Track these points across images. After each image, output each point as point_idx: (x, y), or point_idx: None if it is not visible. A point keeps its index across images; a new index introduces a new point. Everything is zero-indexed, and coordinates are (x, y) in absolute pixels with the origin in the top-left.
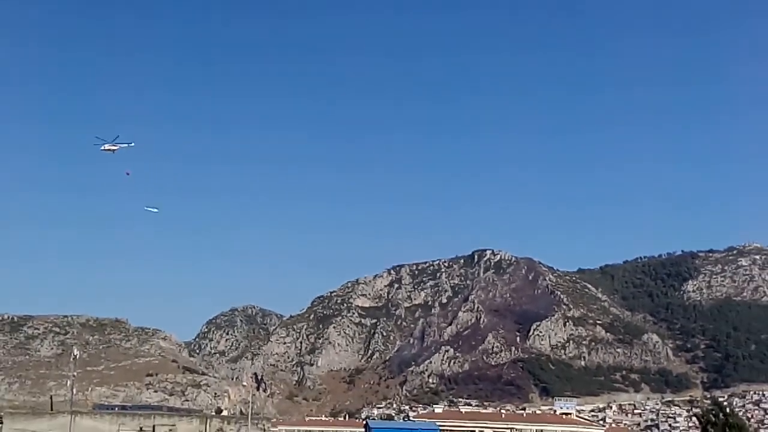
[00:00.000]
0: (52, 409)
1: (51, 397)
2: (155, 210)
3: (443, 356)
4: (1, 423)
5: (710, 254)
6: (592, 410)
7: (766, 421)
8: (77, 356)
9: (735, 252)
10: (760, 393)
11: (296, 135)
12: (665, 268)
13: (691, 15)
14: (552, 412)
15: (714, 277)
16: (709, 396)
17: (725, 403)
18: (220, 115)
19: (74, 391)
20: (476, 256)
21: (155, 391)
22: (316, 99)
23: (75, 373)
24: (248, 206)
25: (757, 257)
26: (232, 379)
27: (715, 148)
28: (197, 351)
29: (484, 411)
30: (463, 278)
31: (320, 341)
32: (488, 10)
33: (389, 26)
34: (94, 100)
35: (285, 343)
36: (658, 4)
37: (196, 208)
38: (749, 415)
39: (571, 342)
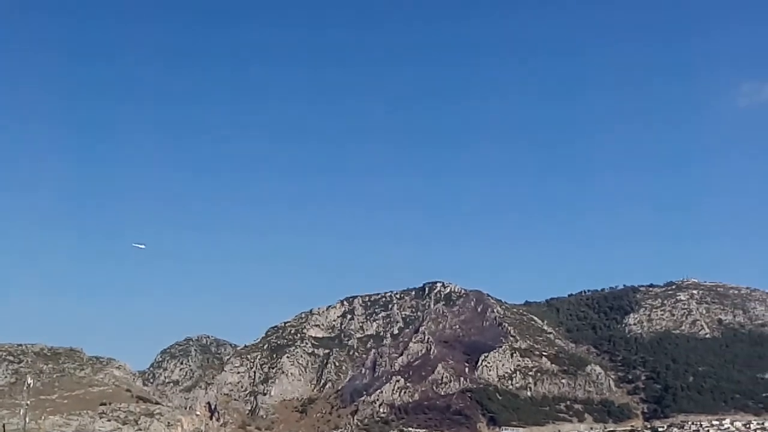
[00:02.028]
0: None
1: (3, 426)
2: (142, 246)
3: (394, 386)
4: None
5: (650, 289)
6: None
7: None
8: (31, 385)
9: (674, 287)
10: (698, 423)
11: (253, 170)
12: (608, 301)
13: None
14: None
15: (654, 310)
16: (649, 426)
17: None
18: (184, 152)
19: (27, 419)
20: (427, 288)
21: (108, 420)
22: (273, 138)
23: (28, 402)
24: (204, 238)
25: (695, 292)
26: (186, 408)
27: (657, 190)
28: (151, 380)
29: None
30: (414, 310)
31: (274, 371)
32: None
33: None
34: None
35: (239, 372)
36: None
37: (153, 239)
38: None
39: (518, 373)
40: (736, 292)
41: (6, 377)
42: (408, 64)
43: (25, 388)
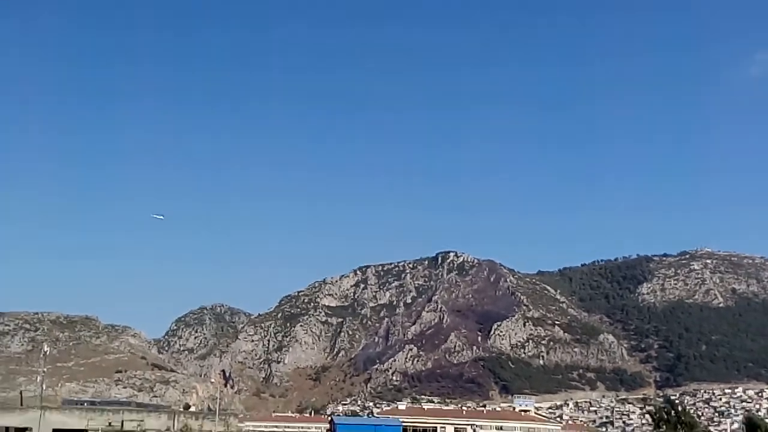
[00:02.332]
0: (21, 405)
1: (21, 393)
2: (161, 217)
3: (407, 355)
4: None
5: (664, 258)
6: (550, 407)
7: (715, 419)
8: (47, 352)
9: (687, 256)
10: (710, 392)
11: (266, 138)
12: (621, 271)
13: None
14: (511, 409)
15: (667, 280)
16: (661, 394)
17: (677, 402)
18: (199, 118)
19: (44, 386)
20: (440, 258)
21: (124, 387)
22: (291, 102)
23: (45, 369)
24: (219, 207)
25: (709, 261)
26: (200, 375)
27: (671, 159)
28: (166, 348)
29: (445, 408)
30: (427, 279)
31: (287, 339)
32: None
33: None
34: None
35: (253, 340)
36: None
37: (169, 207)
38: (700, 413)
39: (530, 342)
40: (750, 261)
41: (23, 345)
42: (417, 26)
43: (41, 355)
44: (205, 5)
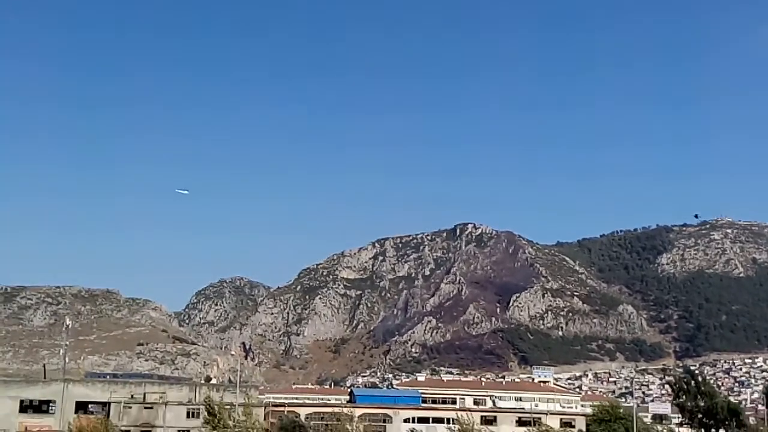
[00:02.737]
0: (45, 378)
1: (44, 366)
2: (185, 192)
3: (426, 327)
4: None
5: (684, 228)
6: (569, 378)
7: (735, 389)
8: (69, 326)
9: (708, 226)
10: (730, 362)
11: (285, 110)
12: (640, 241)
13: None
14: (530, 381)
15: (687, 250)
16: (681, 365)
17: (697, 372)
18: (209, 89)
19: (66, 359)
20: (458, 230)
21: (146, 360)
22: (308, 77)
23: (67, 343)
24: (236, 180)
25: (729, 231)
26: (221, 348)
27: (690, 126)
28: (187, 321)
29: (464, 379)
30: (445, 251)
31: (306, 312)
32: None
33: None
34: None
35: (272, 313)
36: None
37: (186, 181)
38: (720, 383)
39: (549, 313)
40: None
41: (45, 319)
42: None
43: (64, 329)
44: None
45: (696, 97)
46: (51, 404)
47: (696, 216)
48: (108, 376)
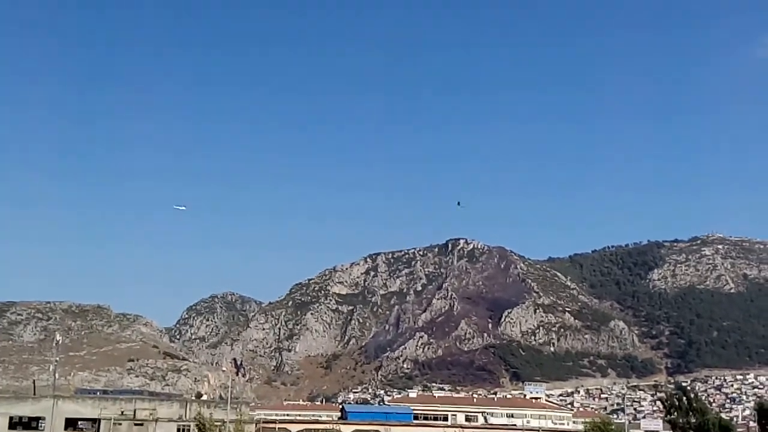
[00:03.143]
0: (35, 394)
1: (34, 382)
2: (183, 208)
3: (417, 342)
4: None
5: (675, 244)
6: (561, 394)
7: (727, 405)
8: (60, 341)
9: (699, 242)
10: (722, 378)
11: (276, 126)
12: (632, 257)
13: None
14: (522, 397)
15: (678, 266)
16: (672, 381)
17: (688, 388)
18: (203, 105)
19: (57, 375)
20: (450, 245)
21: (136, 376)
22: (301, 91)
23: (57, 358)
24: (229, 195)
25: (720, 247)
26: (212, 364)
27: (681, 142)
28: (178, 337)
29: (456, 395)
30: (437, 266)
31: (298, 327)
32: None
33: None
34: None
35: (264, 329)
36: None
37: (179, 196)
38: (711, 399)
39: (541, 328)
40: (761, 246)
41: (35, 334)
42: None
43: (54, 345)
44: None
45: (687, 113)
46: (41, 421)
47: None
48: (98, 393)
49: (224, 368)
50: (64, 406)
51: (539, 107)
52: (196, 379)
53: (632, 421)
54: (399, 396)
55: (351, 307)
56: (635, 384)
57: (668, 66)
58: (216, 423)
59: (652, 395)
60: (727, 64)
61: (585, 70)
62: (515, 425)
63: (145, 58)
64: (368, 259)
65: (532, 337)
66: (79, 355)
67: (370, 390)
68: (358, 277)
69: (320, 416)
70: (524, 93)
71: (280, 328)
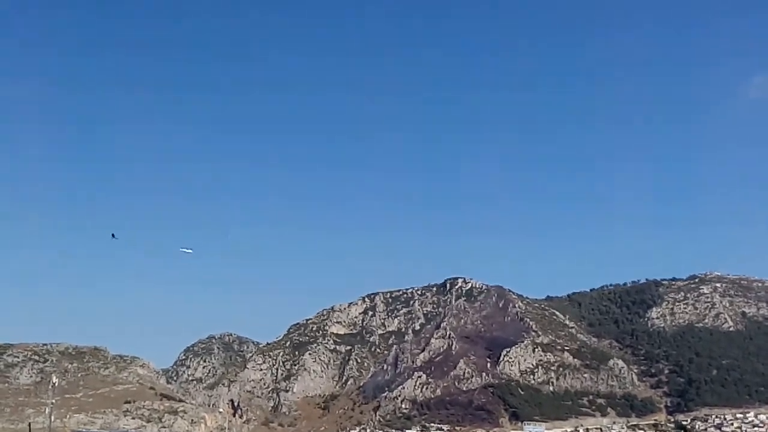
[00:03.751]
0: None
1: (29, 425)
2: (189, 251)
3: (416, 382)
4: None
5: (673, 282)
6: None
7: None
8: (56, 384)
9: (697, 280)
10: (722, 417)
11: (274, 166)
12: (630, 295)
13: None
14: None
15: (677, 304)
16: (672, 420)
17: (688, 427)
18: (204, 145)
19: (53, 418)
20: (448, 285)
21: (133, 418)
22: (285, 131)
23: (54, 401)
24: (226, 235)
25: (718, 285)
26: (209, 405)
27: (679, 181)
28: (175, 378)
29: None
30: (435, 306)
31: (296, 368)
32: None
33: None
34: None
35: (261, 369)
36: None
37: (175, 237)
38: None
39: (539, 368)
40: (760, 284)
41: (31, 377)
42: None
43: (50, 387)
44: None
45: (685, 152)
46: None
47: None
48: None
49: (221, 409)
50: None
51: (538, 148)
52: (192, 420)
53: None
54: None
55: (349, 347)
56: (635, 423)
57: (664, 107)
58: None
59: None
60: (723, 105)
61: (584, 114)
62: None
63: (136, 98)
64: (366, 299)
65: (531, 377)
66: (75, 397)
67: (368, 430)
68: (356, 317)
69: None
70: (523, 135)
71: (277, 369)
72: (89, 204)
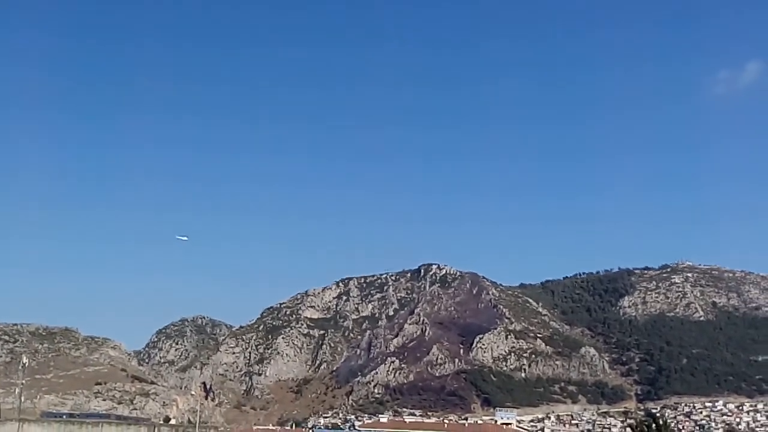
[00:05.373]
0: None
1: None
2: (185, 238)
3: (389, 367)
4: None
5: (645, 272)
6: (532, 420)
7: None
8: (26, 364)
9: (669, 270)
10: (691, 405)
11: (248, 151)
12: (603, 284)
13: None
14: (493, 422)
15: (649, 293)
16: (642, 408)
17: (658, 415)
18: (184, 130)
19: (22, 398)
20: (422, 270)
21: (104, 400)
22: (277, 118)
23: (23, 381)
24: (199, 218)
25: (690, 275)
26: (181, 388)
27: (652, 174)
28: (146, 360)
29: (427, 421)
30: (409, 291)
31: (269, 351)
32: None
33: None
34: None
35: (234, 353)
36: None
37: (151, 219)
38: (680, 426)
39: (512, 354)
40: (730, 275)
41: (1, 357)
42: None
43: (20, 367)
44: None
45: (660, 143)
46: None
47: None
48: (64, 416)
49: (193, 392)
50: (29, 429)
51: (514, 138)
52: (164, 402)
53: None
54: (370, 421)
55: (322, 332)
56: (606, 410)
57: (638, 96)
58: None
59: (622, 422)
60: (700, 96)
61: (558, 105)
62: None
63: (134, 86)
64: (340, 284)
65: (504, 363)
66: (46, 378)
67: (341, 415)
68: (330, 302)
69: None
70: (500, 125)
71: (250, 352)
72: (64, 185)
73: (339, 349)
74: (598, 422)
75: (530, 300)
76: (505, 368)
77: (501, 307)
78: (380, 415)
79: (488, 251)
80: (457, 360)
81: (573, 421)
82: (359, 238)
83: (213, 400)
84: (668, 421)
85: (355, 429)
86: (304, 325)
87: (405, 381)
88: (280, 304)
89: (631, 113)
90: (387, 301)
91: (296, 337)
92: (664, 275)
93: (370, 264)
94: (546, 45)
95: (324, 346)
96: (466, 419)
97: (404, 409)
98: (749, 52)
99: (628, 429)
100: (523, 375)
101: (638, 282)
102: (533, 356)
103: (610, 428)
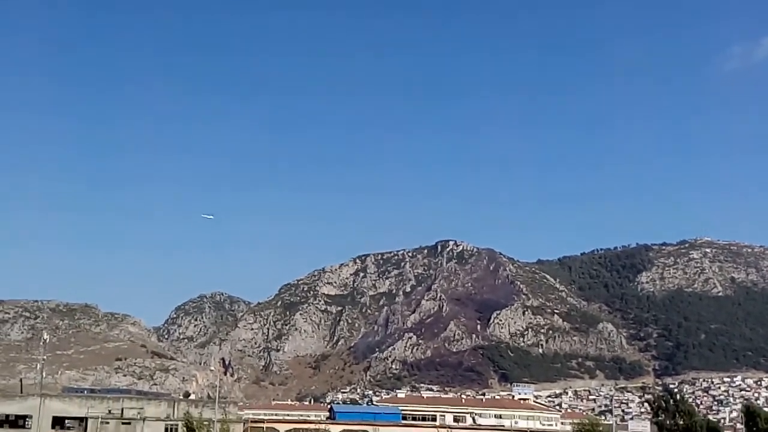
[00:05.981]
0: (21, 392)
1: (21, 380)
2: (210, 217)
3: (406, 343)
4: None
5: (663, 247)
6: (549, 396)
7: (714, 408)
8: (47, 340)
9: (687, 245)
10: (709, 380)
11: (267, 128)
12: (620, 260)
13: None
14: (510, 398)
15: (666, 269)
16: (660, 383)
17: (675, 390)
18: (193, 108)
19: (44, 374)
20: (439, 247)
21: (124, 375)
22: (290, 92)
23: (45, 357)
24: (219, 196)
25: (708, 250)
26: (200, 363)
27: (670, 146)
28: (166, 336)
29: (445, 396)
30: (426, 268)
31: (287, 328)
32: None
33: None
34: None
35: (252, 329)
36: None
37: (169, 196)
38: (698, 402)
39: (529, 330)
40: (749, 250)
41: (23, 333)
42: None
43: (41, 343)
44: None
45: (678, 116)
46: (27, 419)
47: None
48: (85, 391)
49: (212, 368)
50: (51, 404)
51: (531, 114)
52: (184, 378)
53: (620, 423)
54: (387, 396)
55: (340, 308)
56: (623, 386)
57: (655, 72)
58: (204, 422)
59: (640, 397)
60: (714, 69)
61: (578, 78)
62: (503, 426)
63: (139, 58)
64: (357, 260)
65: (521, 339)
66: (67, 353)
67: (359, 390)
68: (347, 278)
69: (308, 416)
70: (515, 98)
71: (268, 329)
72: (82, 163)
73: (356, 325)
74: (616, 397)
75: (547, 276)
76: (522, 344)
77: (518, 283)
78: (398, 391)
79: (505, 227)
80: (474, 336)
81: (590, 396)
82: (376, 215)
83: (232, 375)
84: (686, 396)
85: (373, 404)
86: (322, 302)
87: (422, 357)
88: (298, 280)
89: (651, 86)
90: (404, 278)
91: (314, 313)
92: (683, 251)
93: (387, 240)
94: (563, 19)
95: (341, 322)
96: (484, 394)
97: (422, 385)
98: (764, 28)
99: (646, 404)
100: (540, 351)
101: (656, 258)
102: (550, 332)
103: (627, 403)
